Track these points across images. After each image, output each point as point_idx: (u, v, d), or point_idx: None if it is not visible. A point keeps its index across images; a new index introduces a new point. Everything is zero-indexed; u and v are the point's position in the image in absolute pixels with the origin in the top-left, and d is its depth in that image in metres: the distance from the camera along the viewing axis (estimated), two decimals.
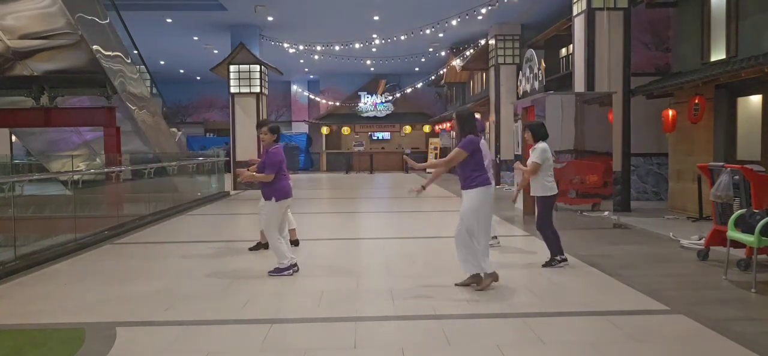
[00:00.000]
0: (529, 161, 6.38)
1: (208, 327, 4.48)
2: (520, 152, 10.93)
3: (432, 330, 4.30)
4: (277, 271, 6.08)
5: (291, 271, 6.10)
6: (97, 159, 14.08)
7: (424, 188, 5.69)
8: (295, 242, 7.73)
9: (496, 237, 7.66)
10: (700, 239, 7.54)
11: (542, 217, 6.35)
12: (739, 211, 5.80)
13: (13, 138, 15.90)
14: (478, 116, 6.92)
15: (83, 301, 5.20)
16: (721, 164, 6.60)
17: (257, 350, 3.94)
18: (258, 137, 17.88)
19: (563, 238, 8.16)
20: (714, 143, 9.84)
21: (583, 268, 6.35)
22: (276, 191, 6.04)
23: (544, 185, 6.32)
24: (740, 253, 6.08)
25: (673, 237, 8.05)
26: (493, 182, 5.55)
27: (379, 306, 4.97)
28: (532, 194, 6.45)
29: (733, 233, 5.69)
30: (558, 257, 6.37)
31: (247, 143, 17.72)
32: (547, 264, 6.37)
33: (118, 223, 9.47)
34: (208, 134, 30.97)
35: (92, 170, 12.38)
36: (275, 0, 15.32)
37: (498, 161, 18.02)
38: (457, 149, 5.37)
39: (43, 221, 9.76)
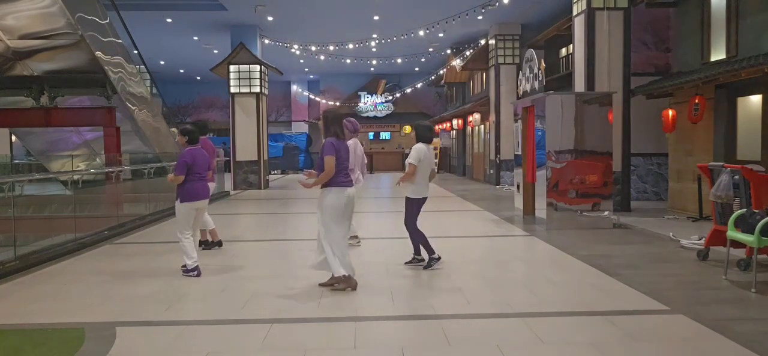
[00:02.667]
0: (406, 162, 6.34)
1: (208, 327, 4.48)
2: (520, 152, 10.93)
3: (432, 330, 4.29)
4: (186, 270, 6.07)
5: (197, 272, 6.03)
6: (97, 159, 14.09)
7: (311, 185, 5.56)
8: (218, 243, 7.69)
9: (356, 237, 7.65)
10: (700, 239, 7.53)
11: (406, 217, 6.36)
12: (739, 211, 5.79)
13: (13, 138, 15.91)
14: (352, 119, 7.11)
15: (83, 301, 5.20)
16: (721, 164, 6.59)
17: (257, 350, 3.94)
18: (258, 137, 18.02)
19: (563, 238, 8.21)
20: (714, 143, 9.85)
21: (583, 268, 6.35)
22: (182, 192, 6.08)
23: (410, 187, 6.29)
24: (740, 253, 6.08)
25: (673, 237, 8.05)
26: (352, 186, 5.45)
27: (379, 306, 4.96)
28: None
29: (733, 233, 5.69)
30: (435, 256, 6.34)
31: (247, 143, 17.73)
32: (415, 262, 6.40)
33: (118, 223, 9.47)
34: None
35: (92, 170, 12.39)
36: (275, 0, 15.33)
37: (498, 161, 18.03)
38: (326, 157, 5.24)
39: (43, 221, 9.77)
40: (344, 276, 5.34)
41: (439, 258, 6.37)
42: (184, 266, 6.11)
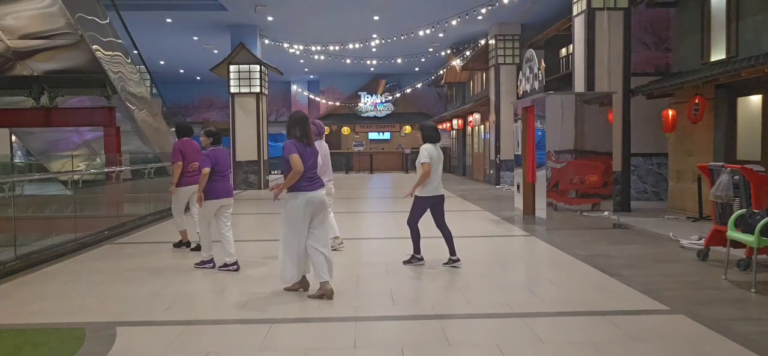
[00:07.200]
0: (417, 163, 6.30)
1: (208, 327, 4.48)
2: (520, 152, 10.92)
3: (432, 330, 4.29)
4: (202, 263, 6.54)
5: (212, 264, 6.53)
6: (97, 159, 14.10)
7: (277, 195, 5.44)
8: (186, 244, 7.74)
9: (337, 238, 7.55)
10: (700, 239, 7.54)
11: (412, 214, 6.38)
12: (739, 211, 5.80)
13: (13, 138, 15.91)
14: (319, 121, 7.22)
15: (83, 301, 5.20)
16: (721, 164, 6.59)
17: (257, 350, 3.94)
18: (258, 137, 18.01)
19: (563, 238, 8.21)
20: (714, 143, 9.84)
21: (583, 268, 6.35)
22: (207, 190, 6.34)
23: (421, 186, 6.28)
24: (740, 253, 6.08)
25: (673, 237, 8.05)
26: (317, 191, 5.25)
27: (379, 306, 4.96)
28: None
29: (733, 233, 5.69)
30: (418, 256, 6.48)
31: (247, 143, 17.73)
32: (407, 262, 6.49)
33: (118, 223, 9.47)
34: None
35: (92, 170, 12.39)
36: (275, 0, 15.33)
37: (498, 161, 18.03)
38: (292, 156, 5.12)
39: (43, 221, 9.77)
40: (298, 281, 5.27)
41: (421, 259, 6.49)
42: (201, 260, 6.54)
